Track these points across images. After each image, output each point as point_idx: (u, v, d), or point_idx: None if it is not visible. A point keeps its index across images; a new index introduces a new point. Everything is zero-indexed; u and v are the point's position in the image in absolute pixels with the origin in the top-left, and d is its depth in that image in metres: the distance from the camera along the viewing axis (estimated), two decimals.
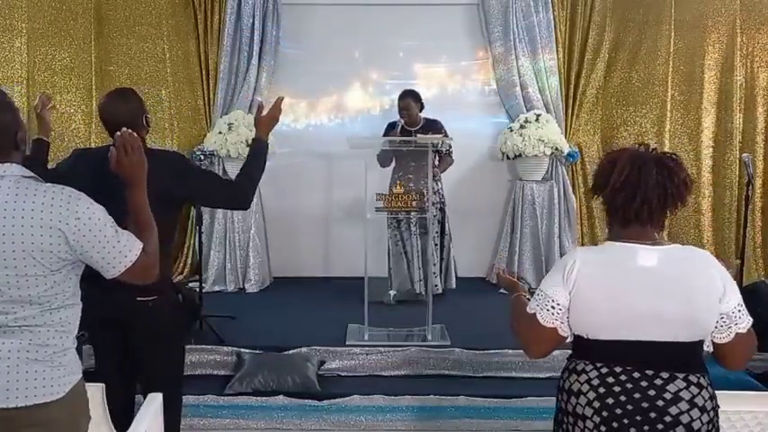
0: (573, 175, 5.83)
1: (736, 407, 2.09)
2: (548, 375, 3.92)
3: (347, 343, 4.12)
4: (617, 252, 1.77)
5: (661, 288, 1.71)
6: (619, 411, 1.70)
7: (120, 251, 1.72)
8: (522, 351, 4.19)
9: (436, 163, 5.02)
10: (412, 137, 4.71)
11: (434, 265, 4.93)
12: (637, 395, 1.70)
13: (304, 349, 3.99)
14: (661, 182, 1.73)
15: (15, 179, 1.67)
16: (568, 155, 5.61)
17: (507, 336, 4.34)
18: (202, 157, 5.38)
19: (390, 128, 4.97)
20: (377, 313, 4.36)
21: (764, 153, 5.84)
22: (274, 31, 5.60)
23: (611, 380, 1.72)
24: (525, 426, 3.61)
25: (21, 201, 1.63)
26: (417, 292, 4.97)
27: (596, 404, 1.72)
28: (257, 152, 2.63)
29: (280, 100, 2.68)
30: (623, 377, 1.72)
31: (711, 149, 5.85)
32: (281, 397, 3.64)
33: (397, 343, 4.11)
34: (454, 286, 5.27)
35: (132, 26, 5.64)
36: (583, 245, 5.88)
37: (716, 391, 1.77)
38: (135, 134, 1.85)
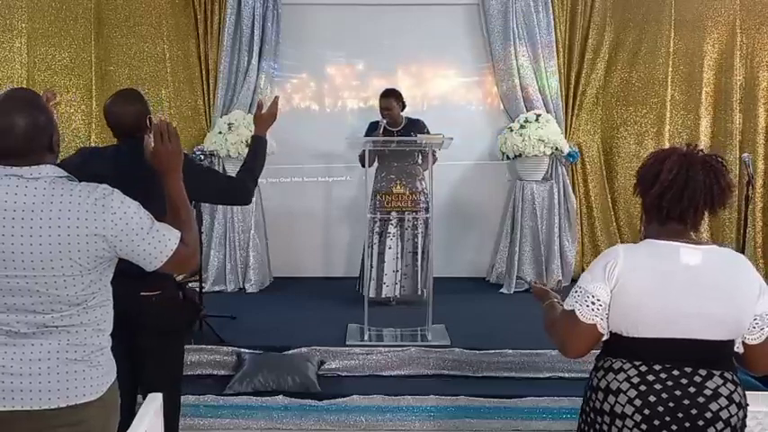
0: (573, 175, 5.83)
1: None
2: (548, 375, 3.93)
3: (347, 343, 4.12)
4: (660, 250, 1.78)
5: (705, 286, 1.73)
6: (660, 409, 1.71)
7: (159, 241, 1.72)
8: (521, 351, 4.20)
9: (420, 162, 4.98)
10: (395, 137, 4.68)
11: (408, 266, 4.90)
12: (677, 392, 1.71)
13: (304, 349, 3.99)
14: (708, 184, 1.75)
15: (50, 180, 1.67)
16: (568, 155, 5.61)
17: (507, 336, 4.35)
18: (202, 157, 5.38)
19: (373, 128, 4.91)
20: (377, 313, 4.36)
21: (764, 153, 5.84)
22: (274, 31, 5.60)
23: (651, 377, 1.73)
24: (525, 426, 3.61)
25: (57, 201, 1.64)
26: (383, 296, 4.89)
27: (637, 402, 1.72)
28: (257, 149, 2.70)
29: (277, 98, 2.77)
30: (663, 375, 1.73)
31: (711, 149, 5.83)
32: (280, 397, 3.64)
33: (397, 343, 4.12)
34: (425, 293, 5.10)
35: (132, 26, 5.64)
36: (583, 245, 5.89)
37: None
38: (171, 123, 1.86)
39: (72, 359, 1.69)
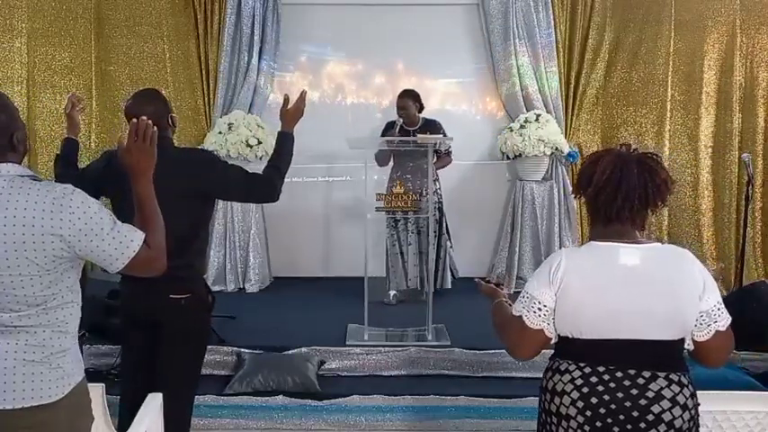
0: (573, 175, 5.81)
1: (736, 407, 2.09)
2: None
3: (347, 343, 4.12)
4: (600, 251, 1.79)
5: (644, 286, 1.73)
6: (602, 410, 1.72)
7: (121, 242, 1.68)
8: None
9: (435, 162, 5.02)
10: (410, 137, 4.71)
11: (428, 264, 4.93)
12: (620, 394, 1.72)
13: (304, 349, 3.99)
14: (642, 182, 1.75)
15: (10, 178, 1.65)
16: (568, 155, 5.61)
17: None
18: None
19: (389, 127, 4.97)
20: (377, 313, 4.36)
21: (764, 153, 5.83)
22: (274, 31, 5.60)
23: (594, 379, 1.74)
24: (525, 426, 3.61)
25: (14, 199, 1.62)
26: (413, 288, 4.96)
27: (580, 404, 1.74)
28: (284, 144, 2.67)
29: (304, 93, 2.73)
30: (606, 376, 1.73)
31: (711, 149, 5.85)
32: (280, 397, 3.64)
33: (397, 343, 4.11)
34: (449, 286, 5.24)
35: (132, 26, 5.63)
36: (583, 245, 5.88)
37: (716, 392, 1.79)
38: (152, 124, 1.80)
39: (30, 360, 1.66)
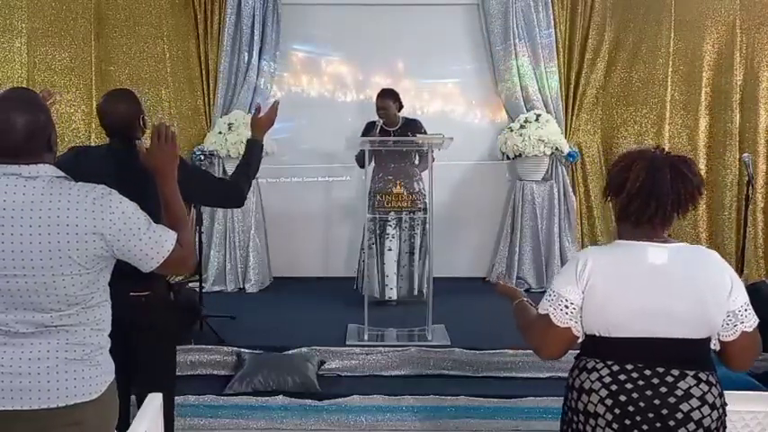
0: (573, 174, 5.83)
1: (736, 407, 2.09)
2: (548, 375, 3.93)
3: (347, 343, 4.12)
4: (628, 250, 1.79)
5: (672, 285, 1.73)
6: (631, 409, 1.71)
7: (156, 242, 1.73)
8: (523, 351, 4.19)
9: (416, 162, 4.98)
10: (391, 137, 4.69)
11: (405, 267, 4.91)
12: (648, 392, 1.71)
13: (304, 349, 3.99)
14: (675, 189, 1.75)
15: (48, 179, 1.68)
16: (568, 155, 5.61)
17: (507, 336, 4.34)
18: (202, 158, 5.38)
19: (370, 128, 4.89)
20: (377, 313, 4.36)
21: (764, 153, 5.83)
22: (274, 31, 5.60)
23: (622, 377, 1.74)
24: (525, 426, 3.61)
25: (55, 200, 1.64)
26: (387, 298, 4.87)
27: (608, 402, 1.74)
28: (253, 152, 2.74)
29: (276, 103, 2.81)
30: (635, 374, 1.73)
31: (711, 149, 5.85)
32: (280, 397, 3.64)
33: (397, 343, 4.11)
34: (423, 291, 4.99)
35: (132, 26, 5.63)
36: (583, 245, 5.88)
37: None
38: (172, 127, 1.89)
39: (71, 359, 1.69)
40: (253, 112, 5.46)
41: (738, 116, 5.79)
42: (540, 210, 5.56)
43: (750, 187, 4.84)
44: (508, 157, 5.59)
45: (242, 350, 3.98)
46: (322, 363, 3.95)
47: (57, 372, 1.67)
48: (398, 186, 4.79)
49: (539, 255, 5.55)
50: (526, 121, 5.50)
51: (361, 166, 4.86)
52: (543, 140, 5.40)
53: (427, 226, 4.90)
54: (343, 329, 4.31)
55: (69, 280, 1.66)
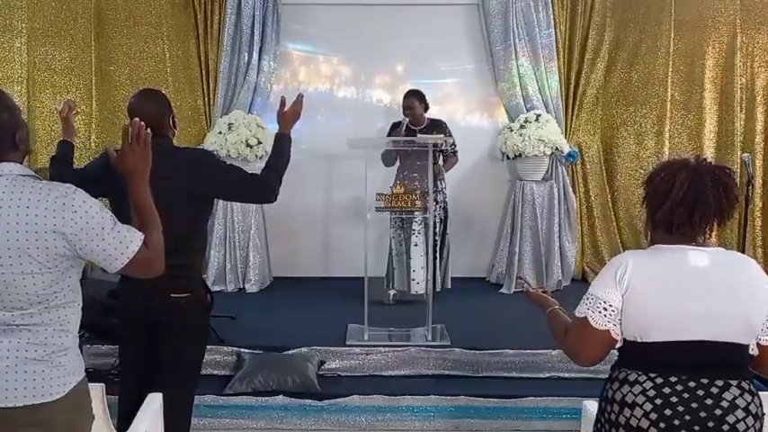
0: (573, 174, 5.83)
1: None
2: (548, 375, 3.93)
3: (347, 343, 4.12)
4: (668, 254, 1.78)
5: (713, 288, 1.73)
6: (677, 422, 1.69)
7: (120, 242, 1.69)
8: (521, 351, 4.19)
9: (441, 163, 5.05)
10: (413, 136, 4.72)
11: (434, 263, 4.93)
12: (694, 405, 1.69)
13: (304, 349, 3.99)
14: (717, 200, 1.76)
15: (12, 178, 1.66)
16: (568, 155, 5.61)
17: (507, 336, 4.34)
18: None
19: (395, 127, 4.99)
20: (377, 313, 4.36)
21: (764, 153, 5.83)
22: (274, 31, 5.60)
23: (667, 390, 1.71)
24: (525, 426, 3.62)
25: (17, 198, 1.63)
26: (413, 292, 4.95)
27: (653, 416, 1.71)
28: (281, 146, 2.69)
29: (301, 96, 2.75)
30: (679, 387, 1.71)
31: (711, 149, 5.85)
32: (280, 397, 3.64)
33: (397, 343, 4.11)
34: (450, 286, 5.26)
35: (132, 26, 5.64)
36: (583, 245, 5.89)
37: None
38: (147, 127, 1.81)
39: (32, 358, 1.67)
40: (254, 111, 5.56)
41: (739, 116, 5.79)
42: (540, 210, 5.56)
43: (750, 187, 4.83)
44: (508, 157, 5.59)
45: (242, 350, 3.98)
46: (322, 363, 3.96)
47: (16, 371, 1.66)
48: (421, 184, 4.82)
49: (539, 255, 5.55)
50: (526, 121, 5.49)
51: (387, 165, 4.94)
52: (543, 140, 5.40)
53: (448, 224, 5.01)
54: (343, 329, 4.30)
55: (30, 279, 1.64)
